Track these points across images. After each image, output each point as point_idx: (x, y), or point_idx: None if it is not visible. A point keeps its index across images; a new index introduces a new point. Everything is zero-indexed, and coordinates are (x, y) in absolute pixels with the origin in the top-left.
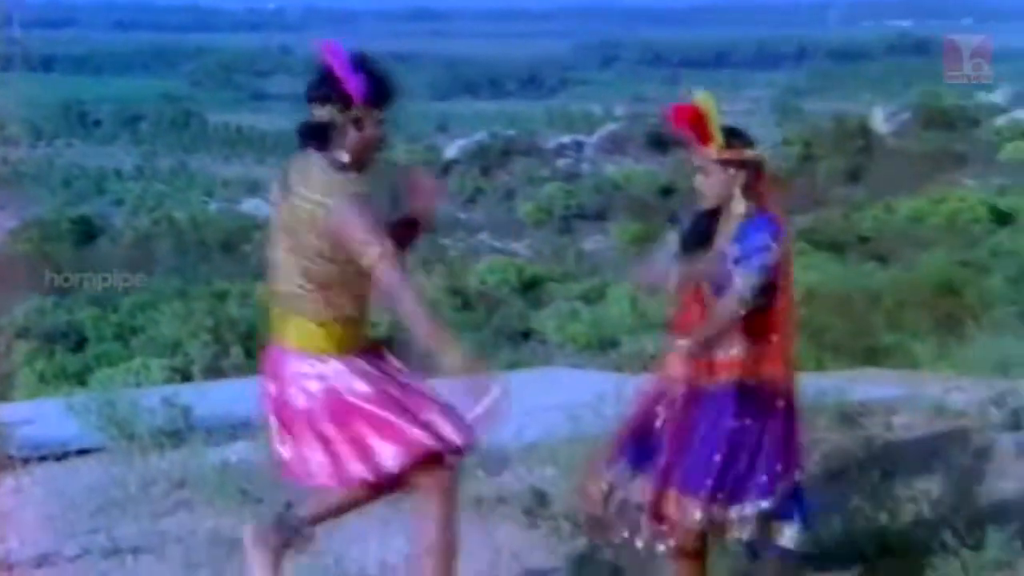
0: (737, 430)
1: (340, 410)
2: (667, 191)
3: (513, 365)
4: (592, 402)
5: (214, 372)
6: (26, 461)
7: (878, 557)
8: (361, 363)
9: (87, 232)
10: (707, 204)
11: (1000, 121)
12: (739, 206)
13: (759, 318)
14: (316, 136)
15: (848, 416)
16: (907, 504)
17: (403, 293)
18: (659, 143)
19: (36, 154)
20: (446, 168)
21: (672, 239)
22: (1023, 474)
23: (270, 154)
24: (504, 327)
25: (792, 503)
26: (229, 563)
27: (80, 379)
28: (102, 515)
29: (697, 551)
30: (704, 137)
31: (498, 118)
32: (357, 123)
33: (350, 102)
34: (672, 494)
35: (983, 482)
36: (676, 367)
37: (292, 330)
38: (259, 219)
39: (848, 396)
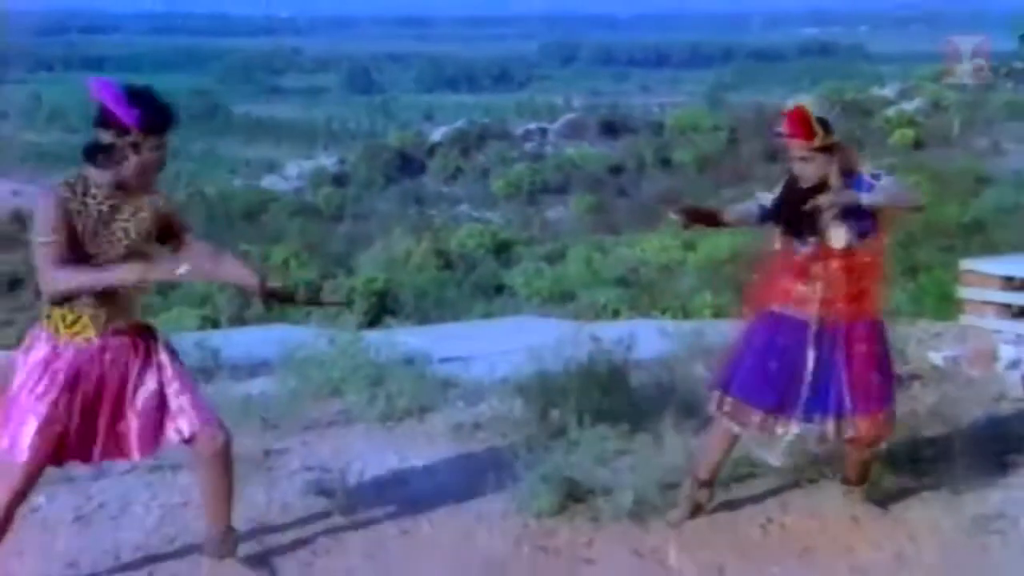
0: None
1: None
2: (617, 169)
3: (487, 315)
4: (553, 345)
5: (238, 321)
6: None
7: (789, 471)
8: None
9: None
10: (809, 184)
11: (890, 112)
12: (837, 180)
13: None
14: (97, 155)
15: None
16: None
17: (60, 275)
18: (610, 129)
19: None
20: (431, 150)
21: (760, 198)
22: (905, 401)
23: (284, 139)
24: (480, 283)
25: None
26: (250, 479)
27: None
28: None
29: None
30: (809, 133)
31: (475, 108)
32: (135, 147)
33: (128, 129)
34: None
35: None
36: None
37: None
38: (275, 193)
39: None
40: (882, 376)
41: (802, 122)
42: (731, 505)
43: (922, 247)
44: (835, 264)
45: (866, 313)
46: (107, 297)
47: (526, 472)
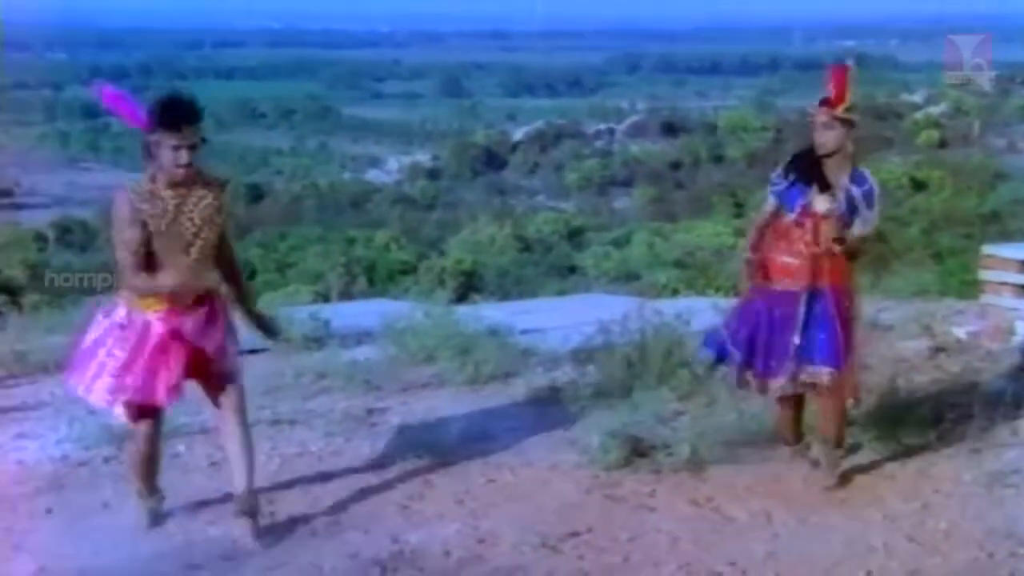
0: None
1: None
2: (675, 164)
3: (561, 292)
4: (619, 319)
5: (345, 295)
6: None
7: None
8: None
9: (256, 194)
10: (824, 151)
11: (917, 115)
12: (848, 152)
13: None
14: (146, 152)
15: None
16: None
17: (137, 282)
18: (670, 129)
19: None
20: (513, 148)
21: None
22: (931, 370)
23: (385, 137)
24: (555, 264)
25: None
26: (357, 433)
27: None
28: (268, 396)
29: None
30: (841, 96)
31: (552, 111)
32: (158, 145)
33: (149, 129)
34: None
35: (904, 376)
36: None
37: None
38: (378, 184)
39: None
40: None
41: (842, 80)
42: (777, 460)
43: (946, 234)
44: (814, 233)
45: (838, 282)
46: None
47: (596, 429)
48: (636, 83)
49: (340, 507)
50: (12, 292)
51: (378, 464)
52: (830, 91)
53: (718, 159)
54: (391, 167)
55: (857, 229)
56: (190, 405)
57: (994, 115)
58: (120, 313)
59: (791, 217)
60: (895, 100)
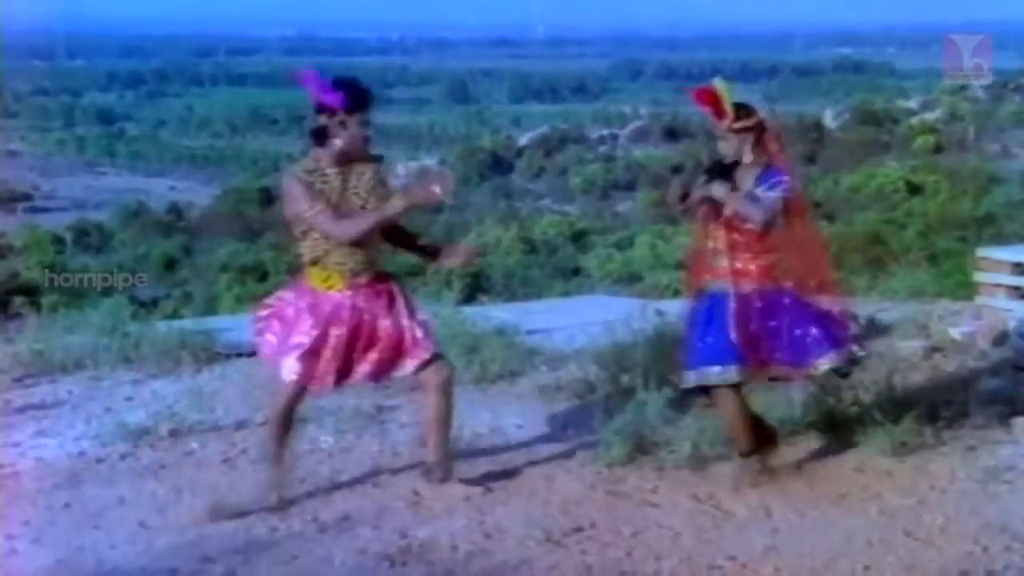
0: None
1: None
2: (677, 169)
3: (566, 293)
4: (623, 319)
5: None
6: (228, 356)
7: (828, 429)
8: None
9: (267, 198)
10: (728, 160)
11: (913, 121)
12: (748, 158)
13: (774, 236)
14: (317, 137)
15: None
16: (848, 391)
17: (344, 228)
18: (671, 135)
19: (233, 143)
20: (519, 152)
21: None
22: (927, 370)
23: (394, 142)
24: (559, 266)
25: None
26: (367, 430)
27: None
28: None
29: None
30: (720, 113)
31: (556, 116)
32: (343, 124)
33: (334, 111)
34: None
35: (901, 375)
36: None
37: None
38: None
39: None
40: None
41: (710, 100)
42: (776, 457)
43: (941, 237)
44: (734, 234)
45: (775, 283)
46: (350, 256)
47: (600, 427)
48: (639, 89)
49: (350, 503)
50: (31, 293)
51: (387, 460)
52: (708, 110)
53: None
54: (399, 171)
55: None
56: (203, 403)
57: (988, 121)
58: (308, 297)
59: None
60: (892, 106)
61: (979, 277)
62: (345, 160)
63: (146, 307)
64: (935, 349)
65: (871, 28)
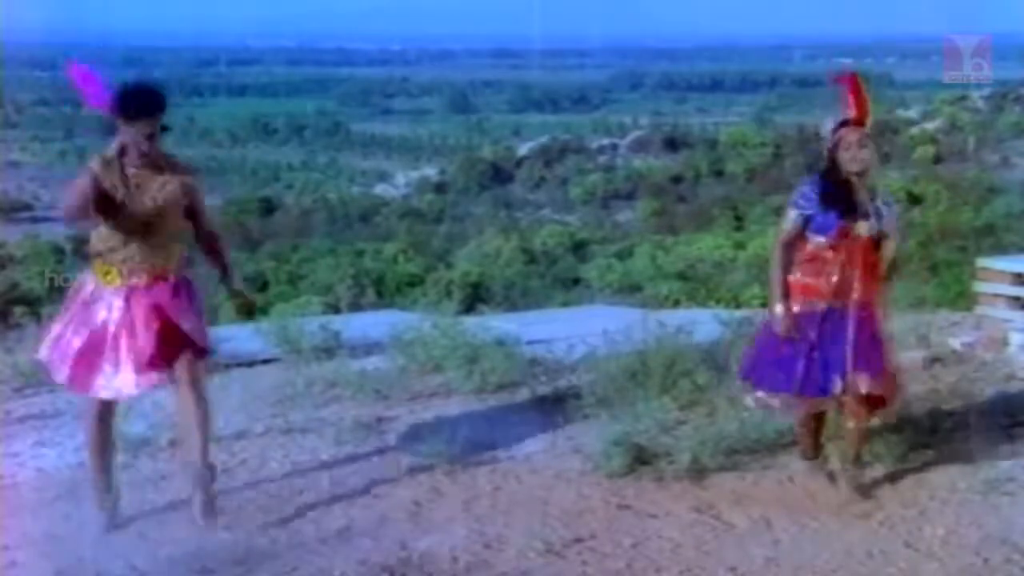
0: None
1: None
2: (677, 179)
3: (566, 303)
4: (623, 330)
5: (355, 307)
6: (227, 366)
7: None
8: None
9: (268, 208)
10: (860, 169)
11: (913, 131)
12: (876, 167)
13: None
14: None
15: None
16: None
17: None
18: (671, 145)
19: (233, 153)
20: (519, 162)
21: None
22: (928, 380)
23: (394, 152)
24: (559, 276)
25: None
26: (367, 441)
27: (263, 310)
28: (280, 405)
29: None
30: (862, 110)
31: (557, 127)
32: (119, 129)
33: (112, 115)
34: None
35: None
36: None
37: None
38: (387, 198)
39: None
40: (878, 346)
41: (857, 90)
42: (777, 468)
43: (942, 247)
44: (850, 254)
45: (869, 298)
46: (133, 251)
47: (600, 438)
48: (639, 100)
49: (350, 513)
50: (31, 303)
51: (387, 471)
52: (852, 107)
53: (719, 174)
54: (399, 181)
55: (889, 248)
56: None
57: (988, 131)
58: (87, 290)
59: (822, 240)
60: (892, 116)
61: (979, 287)
62: (148, 163)
63: None
64: (935, 360)
65: (871, 39)
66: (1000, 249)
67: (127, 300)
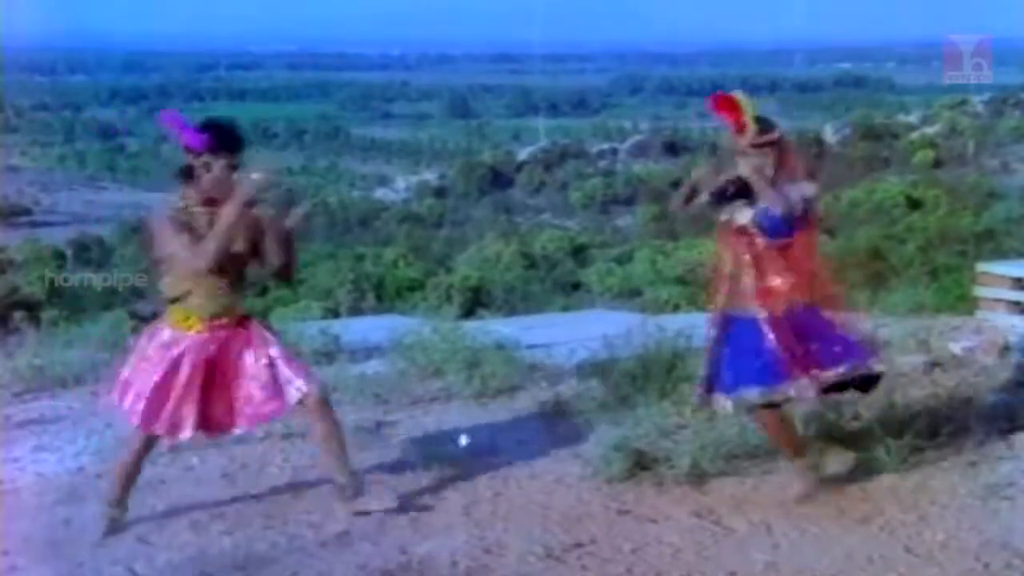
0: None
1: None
2: (677, 183)
3: (566, 308)
4: (623, 334)
5: (355, 311)
6: None
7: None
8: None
9: None
10: (747, 178)
11: (913, 135)
12: (768, 176)
13: (796, 251)
14: (184, 176)
15: None
16: (848, 407)
17: (196, 251)
18: (671, 149)
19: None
20: (519, 167)
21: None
22: (928, 385)
23: (394, 157)
24: (559, 280)
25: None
26: (368, 446)
27: (264, 315)
28: None
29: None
30: (740, 125)
31: (556, 131)
32: (206, 167)
33: (199, 152)
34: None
35: (901, 390)
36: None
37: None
38: (387, 203)
39: None
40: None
41: (730, 110)
42: (777, 473)
43: (941, 252)
44: (762, 252)
45: (802, 299)
46: (211, 297)
47: (600, 442)
48: (639, 104)
49: (350, 518)
50: (31, 307)
51: (386, 477)
52: (727, 121)
53: None
54: (399, 186)
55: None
56: None
57: (988, 136)
58: (164, 336)
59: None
60: (891, 121)
61: (979, 292)
62: (214, 201)
63: (146, 321)
64: (935, 364)
65: (871, 43)
66: (1000, 254)
67: (211, 341)
